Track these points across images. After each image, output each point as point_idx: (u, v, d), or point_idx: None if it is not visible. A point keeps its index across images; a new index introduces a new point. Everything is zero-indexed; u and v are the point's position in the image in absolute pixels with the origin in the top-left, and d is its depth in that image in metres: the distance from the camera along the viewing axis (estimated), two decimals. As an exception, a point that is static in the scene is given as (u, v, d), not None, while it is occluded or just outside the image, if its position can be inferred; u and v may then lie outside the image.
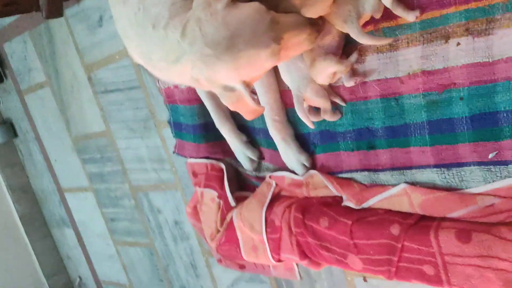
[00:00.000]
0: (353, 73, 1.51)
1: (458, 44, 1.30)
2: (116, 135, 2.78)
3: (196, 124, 2.03)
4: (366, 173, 1.61)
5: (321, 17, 1.32)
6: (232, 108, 1.31)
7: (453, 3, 1.27)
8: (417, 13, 1.32)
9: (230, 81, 1.23)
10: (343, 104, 1.58)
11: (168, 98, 2.13)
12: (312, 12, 1.29)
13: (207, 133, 2.03)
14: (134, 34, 1.29)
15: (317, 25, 1.24)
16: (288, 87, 1.64)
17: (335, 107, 1.61)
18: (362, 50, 1.48)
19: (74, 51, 2.77)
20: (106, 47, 2.53)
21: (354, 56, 1.47)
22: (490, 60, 1.25)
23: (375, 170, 1.59)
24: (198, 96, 1.96)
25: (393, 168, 1.55)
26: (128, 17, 1.29)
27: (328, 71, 1.46)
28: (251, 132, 1.95)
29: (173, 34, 1.19)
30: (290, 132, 1.77)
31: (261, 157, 1.96)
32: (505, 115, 1.27)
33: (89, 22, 2.56)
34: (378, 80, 1.48)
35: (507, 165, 1.32)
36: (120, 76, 2.54)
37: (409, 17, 1.34)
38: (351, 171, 1.65)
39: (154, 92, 2.38)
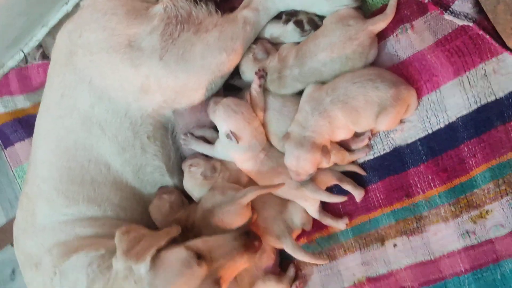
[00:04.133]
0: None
1: (395, 245, 1.25)
2: None
3: None
4: None
5: (258, 235, 1.25)
6: None
7: (377, 205, 1.27)
8: (346, 220, 1.31)
9: None
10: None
11: None
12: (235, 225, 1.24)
13: None
14: None
15: (254, 247, 1.15)
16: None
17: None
18: (299, 264, 1.40)
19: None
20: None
21: (291, 271, 1.39)
22: (432, 258, 1.20)
23: None
24: None
25: None
26: (43, 283, 1.21)
27: (270, 293, 1.34)
28: None
29: None
30: None
31: None
32: (466, 313, 1.17)
33: (0, 277, 2.30)
34: (325, 295, 1.37)
35: None
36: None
37: (339, 225, 1.32)
38: None
39: None
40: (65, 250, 1.22)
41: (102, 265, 1.12)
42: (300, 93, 1.28)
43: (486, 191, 1.13)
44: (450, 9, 1.09)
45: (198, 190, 1.33)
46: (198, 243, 1.10)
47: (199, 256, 1.05)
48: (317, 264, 1.37)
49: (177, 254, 1.04)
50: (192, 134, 1.38)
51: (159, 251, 1.06)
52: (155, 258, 1.04)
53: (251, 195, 1.23)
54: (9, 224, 1.49)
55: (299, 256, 1.31)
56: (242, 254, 1.11)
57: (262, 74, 1.29)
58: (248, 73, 1.33)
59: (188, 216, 1.30)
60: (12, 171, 1.92)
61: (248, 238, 1.15)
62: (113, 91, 1.27)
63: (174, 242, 1.12)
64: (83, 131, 1.30)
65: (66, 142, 1.31)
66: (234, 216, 1.24)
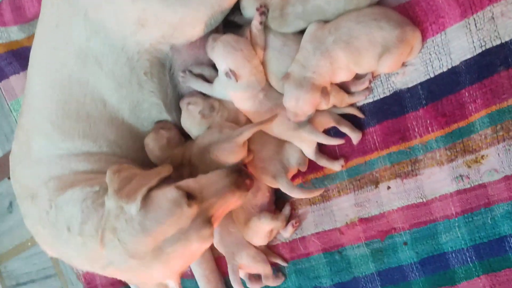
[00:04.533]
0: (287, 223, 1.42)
1: (389, 187, 1.27)
2: (30, 337, 2.37)
3: (122, 311, 1.77)
4: None
5: (250, 173, 1.27)
6: None
7: (374, 148, 1.28)
8: (341, 162, 1.31)
9: (164, 279, 1.14)
10: (284, 264, 1.45)
11: (88, 285, 1.88)
12: (233, 161, 1.25)
13: (137, 320, 1.76)
14: (48, 234, 1.20)
15: (245, 185, 1.16)
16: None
17: (277, 269, 1.47)
18: (294, 203, 1.42)
19: (-19, 244, 2.48)
20: (16, 234, 2.29)
21: (287, 209, 1.41)
22: (424, 200, 1.23)
23: (332, 335, 1.41)
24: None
25: (351, 330, 1.38)
26: (39, 216, 1.22)
27: (265, 229, 1.37)
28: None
29: (92, 244, 1.09)
30: (232, 305, 1.56)
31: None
32: (453, 255, 1.21)
33: (-2, 209, 2.35)
34: (317, 233, 1.40)
35: (471, 310, 1.21)
36: (34, 265, 2.26)
37: (335, 166, 1.33)
38: None
39: (73, 279, 2.11)
40: (60, 184, 1.23)
41: (96, 201, 1.13)
42: (302, 32, 1.24)
43: (483, 136, 1.13)
44: None
45: (197, 129, 1.33)
46: (189, 182, 1.11)
47: (190, 196, 1.06)
48: (311, 204, 1.39)
49: (168, 193, 1.05)
50: (190, 72, 1.36)
51: (150, 190, 1.06)
52: (146, 198, 1.04)
53: (247, 133, 1.23)
54: (5, 158, 1.49)
55: (294, 194, 1.33)
56: (233, 192, 1.12)
57: (263, 10, 1.25)
58: (249, 9, 1.29)
59: (184, 152, 1.31)
60: (8, 105, 1.91)
61: (240, 176, 1.15)
62: (109, 24, 1.23)
63: (167, 180, 1.13)
64: (78, 65, 1.28)
65: (61, 75, 1.29)
66: (229, 154, 1.25)
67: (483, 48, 1.10)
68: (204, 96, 1.36)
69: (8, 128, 2.13)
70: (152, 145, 1.34)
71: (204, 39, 1.31)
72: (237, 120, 1.35)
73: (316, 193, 1.35)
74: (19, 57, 1.81)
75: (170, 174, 1.16)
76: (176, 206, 1.03)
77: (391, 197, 1.27)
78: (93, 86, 1.29)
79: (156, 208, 1.04)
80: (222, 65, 1.27)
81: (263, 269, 1.42)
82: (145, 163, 1.37)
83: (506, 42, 1.08)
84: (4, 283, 2.49)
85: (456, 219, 1.20)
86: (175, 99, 1.39)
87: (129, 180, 1.09)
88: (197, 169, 1.27)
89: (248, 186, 1.16)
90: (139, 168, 1.17)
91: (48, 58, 1.30)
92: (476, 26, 1.10)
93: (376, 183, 1.29)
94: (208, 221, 1.08)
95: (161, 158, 1.32)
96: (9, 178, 1.42)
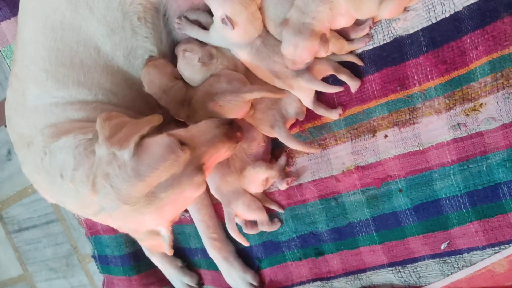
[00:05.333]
0: (285, 175, 1.44)
1: (386, 136, 1.27)
2: (36, 277, 2.47)
3: (124, 255, 1.82)
4: (318, 282, 1.47)
5: (241, 124, 1.27)
6: (147, 247, 1.21)
7: (372, 97, 1.27)
8: (339, 110, 1.31)
9: (156, 226, 1.16)
10: (281, 210, 1.48)
11: (90, 230, 1.93)
12: (232, 115, 1.26)
13: (138, 263, 1.82)
14: (43, 180, 1.22)
15: (235, 137, 1.16)
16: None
17: (274, 215, 1.51)
18: (291, 152, 1.43)
19: (-19, 190, 2.52)
20: (17, 181, 2.32)
21: (283, 159, 1.42)
22: (421, 149, 1.23)
23: (328, 278, 1.46)
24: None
25: (346, 273, 1.43)
26: (34, 163, 1.22)
27: (260, 178, 1.38)
28: (187, 254, 1.77)
29: (83, 190, 1.10)
30: (231, 249, 1.61)
31: (201, 281, 1.76)
32: (447, 201, 1.23)
33: (-3, 157, 2.36)
34: (313, 181, 1.42)
35: (461, 254, 1.25)
36: (35, 211, 2.31)
37: (332, 115, 1.32)
38: (302, 283, 1.51)
39: (75, 224, 2.16)
40: (56, 132, 1.23)
41: (88, 148, 1.13)
42: (301, -25, 1.20)
43: (483, 84, 1.12)
44: None
45: (199, 77, 1.30)
46: (180, 131, 1.12)
47: (182, 143, 1.07)
48: (308, 153, 1.40)
49: (160, 140, 1.06)
50: (186, 18, 1.32)
51: (142, 138, 1.07)
52: (138, 145, 1.05)
53: (257, 93, 1.24)
54: (1, 105, 1.48)
55: (292, 144, 1.33)
56: (224, 142, 1.13)
57: (261, -48, 1.20)
58: (246, -49, 1.23)
59: (186, 91, 1.30)
60: (0, 51, 1.87)
61: (231, 127, 1.16)
62: None
63: (158, 129, 1.13)
64: (70, 10, 1.23)
65: (52, 21, 1.25)
66: (235, 108, 1.25)
67: (487, -7, 1.06)
68: (200, 43, 1.32)
69: (2, 75, 2.10)
70: (154, 72, 1.31)
71: (199, -17, 1.26)
72: (237, 67, 1.33)
73: (313, 150, 1.36)
74: (9, 1, 1.75)
75: (161, 123, 1.15)
76: (169, 152, 1.04)
77: (388, 145, 1.28)
78: (86, 33, 1.26)
79: (149, 153, 1.05)
80: (218, 11, 1.23)
81: (259, 216, 1.45)
82: (141, 111, 1.36)
83: (511, -13, 1.04)
84: (6, 228, 2.55)
85: (452, 166, 1.21)
86: (169, 45, 1.36)
87: (120, 127, 1.09)
88: (195, 113, 1.27)
89: (239, 138, 1.17)
90: (129, 117, 1.17)
91: (39, 4, 1.26)
92: (481, -30, 1.06)
93: (373, 131, 1.29)
94: (200, 169, 1.09)
95: (163, 87, 1.31)
96: (5, 126, 1.41)
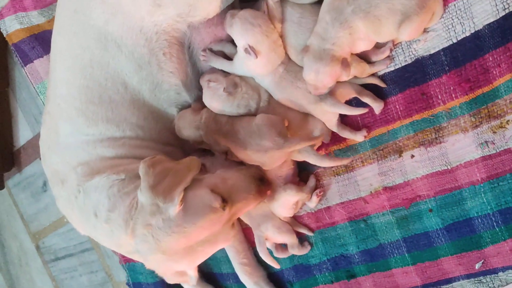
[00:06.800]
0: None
1: (412, 156, 1.27)
2: (72, 306, 2.51)
3: (157, 282, 1.85)
4: (352, 305, 1.46)
5: (270, 183, 1.33)
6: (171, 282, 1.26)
7: (396, 118, 1.27)
8: (364, 132, 1.31)
9: (185, 269, 1.21)
10: (310, 233, 1.49)
11: (124, 257, 1.96)
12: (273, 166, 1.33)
13: (171, 290, 1.84)
14: (77, 217, 1.26)
15: (266, 194, 1.25)
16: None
17: (303, 238, 1.51)
18: (318, 175, 1.44)
19: (20, 221, 2.60)
20: (53, 212, 2.39)
21: (312, 181, 1.42)
22: (449, 168, 1.22)
23: (361, 301, 1.45)
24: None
25: (379, 296, 1.41)
26: (68, 200, 1.27)
27: (290, 201, 1.39)
28: (219, 279, 1.78)
29: (118, 232, 1.15)
30: (262, 274, 1.62)
31: (234, 306, 1.77)
32: (479, 220, 1.21)
33: (33, 189, 2.44)
34: (342, 203, 1.42)
35: (496, 273, 1.22)
36: (71, 240, 2.37)
37: (357, 137, 1.33)
38: (335, 306, 1.50)
39: (109, 252, 2.20)
40: (88, 170, 1.27)
41: (122, 190, 1.17)
42: (319, 3, 1.22)
43: (508, 101, 1.11)
44: None
45: (227, 107, 1.34)
46: (219, 184, 1.16)
47: (224, 199, 1.11)
48: (335, 175, 1.41)
49: (206, 197, 1.10)
50: (211, 50, 1.36)
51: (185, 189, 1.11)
52: (182, 199, 1.09)
53: (298, 146, 1.28)
54: (36, 139, 1.54)
55: (323, 163, 1.35)
56: (257, 199, 1.20)
57: (279, -18, 1.23)
58: (265, -18, 1.27)
59: (215, 117, 1.35)
60: (34, 88, 1.95)
61: (263, 184, 1.23)
62: (126, 6, 1.24)
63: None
64: (99, 48, 1.29)
65: (82, 60, 1.31)
66: (277, 161, 1.32)
67: (507, 11, 1.06)
68: (224, 73, 1.36)
69: (37, 111, 2.19)
70: (180, 120, 1.39)
71: (221, 15, 1.30)
72: (260, 95, 1.36)
73: (345, 162, 1.36)
74: (41, 40, 1.84)
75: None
76: (213, 212, 1.09)
77: (415, 165, 1.27)
78: (114, 69, 1.31)
79: (194, 211, 1.09)
80: (241, 42, 1.27)
81: (289, 239, 1.45)
82: (168, 142, 1.40)
83: (532, 3, 1.04)
84: (43, 258, 2.62)
85: (482, 184, 1.19)
86: (194, 77, 1.40)
87: (163, 175, 1.11)
88: (233, 154, 1.33)
89: (267, 195, 1.25)
90: (169, 159, 1.19)
91: (69, 44, 1.32)
92: (499, -12, 1.06)
93: (399, 152, 1.29)
94: (233, 224, 1.16)
95: (193, 124, 1.36)
96: (40, 158, 1.47)
